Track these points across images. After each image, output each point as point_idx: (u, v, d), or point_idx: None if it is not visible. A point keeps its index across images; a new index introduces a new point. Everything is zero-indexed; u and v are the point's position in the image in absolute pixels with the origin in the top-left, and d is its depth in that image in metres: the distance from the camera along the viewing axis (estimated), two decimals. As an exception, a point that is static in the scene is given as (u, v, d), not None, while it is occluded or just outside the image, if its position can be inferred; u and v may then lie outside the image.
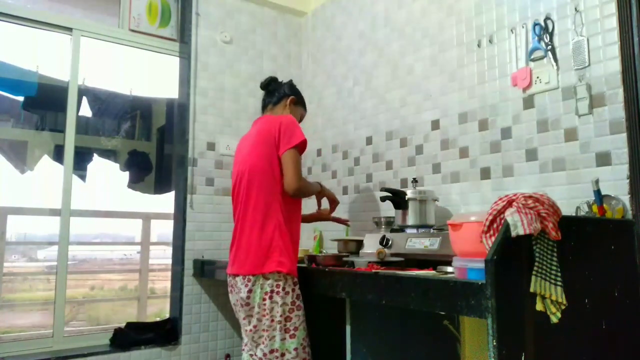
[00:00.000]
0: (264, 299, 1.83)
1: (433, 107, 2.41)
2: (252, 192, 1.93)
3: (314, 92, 3.27)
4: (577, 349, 1.36)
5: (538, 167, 1.93)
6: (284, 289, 1.83)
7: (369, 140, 2.79)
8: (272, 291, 1.83)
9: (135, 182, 3.23)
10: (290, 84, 2.24)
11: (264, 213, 1.89)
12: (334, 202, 2.35)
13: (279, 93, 2.17)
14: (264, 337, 1.83)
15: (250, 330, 1.87)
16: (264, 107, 2.21)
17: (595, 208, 1.64)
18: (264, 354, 1.82)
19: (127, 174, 3.23)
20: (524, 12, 2.03)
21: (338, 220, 2.44)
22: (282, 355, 1.81)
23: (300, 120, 2.23)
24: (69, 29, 2.70)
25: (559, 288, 1.25)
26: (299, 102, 2.21)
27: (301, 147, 1.96)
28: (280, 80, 2.26)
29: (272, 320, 1.82)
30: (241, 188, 1.99)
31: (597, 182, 1.63)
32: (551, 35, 1.91)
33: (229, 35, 3.12)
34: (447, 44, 2.36)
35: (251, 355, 1.91)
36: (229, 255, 2.03)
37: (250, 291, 1.85)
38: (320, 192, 2.26)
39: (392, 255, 1.99)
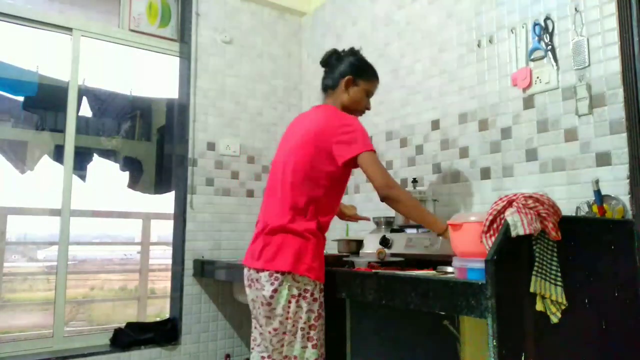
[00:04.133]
0: (290, 302, 1.67)
1: (433, 107, 2.41)
2: (293, 191, 1.75)
3: (314, 92, 3.27)
4: (577, 349, 1.36)
5: (538, 167, 1.93)
6: (312, 294, 1.68)
7: (369, 140, 2.79)
8: (299, 295, 1.67)
9: (132, 184, 3.24)
10: (350, 58, 1.94)
11: (301, 214, 1.74)
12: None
13: (335, 74, 1.92)
14: (284, 341, 1.70)
15: (270, 332, 1.71)
16: (324, 90, 1.97)
17: (595, 208, 1.64)
18: (282, 359, 1.71)
19: (127, 174, 3.24)
20: (524, 12, 2.03)
21: (359, 217, 2.29)
22: None
23: (368, 96, 1.97)
24: (69, 29, 2.70)
25: (559, 288, 1.25)
26: (359, 78, 1.90)
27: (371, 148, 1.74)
28: (341, 50, 1.98)
29: (295, 325, 1.67)
30: (282, 182, 1.80)
31: (597, 182, 1.63)
32: (551, 35, 1.91)
33: (229, 36, 3.12)
34: (447, 44, 2.36)
35: (263, 357, 1.77)
36: (251, 244, 1.86)
37: (275, 291, 1.68)
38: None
39: (392, 255, 1.99)
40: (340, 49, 1.91)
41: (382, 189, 1.71)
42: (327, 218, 1.82)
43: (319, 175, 1.76)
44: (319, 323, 1.70)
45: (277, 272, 1.68)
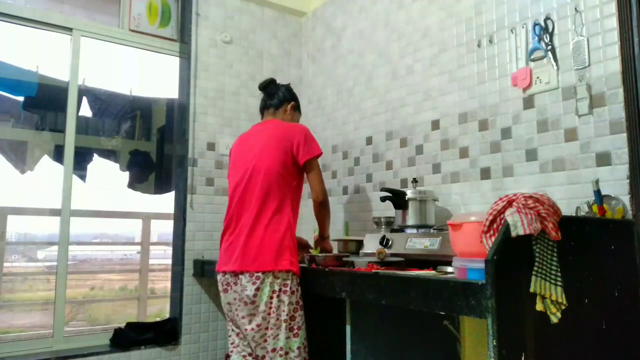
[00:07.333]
0: (272, 297, 1.84)
1: (433, 107, 2.41)
2: (268, 192, 1.95)
3: (314, 92, 3.27)
4: (577, 349, 1.36)
5: (538, 167, 1.93)
6: (290, 288, 1.86)
7: (369, 140, 2.79)
8: (280, 290, 1.85)
9: (138, 183, 3.24)
10: (288, 87, 2.31)
11: (277, 213, 1.94)
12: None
13: (279, 97, 2.25)
14: (267, 335, 1.84)
15: (252, 329, 1.85)
16: (264, 109, 2.26)
17: (595, 208, 1.64)
18: (267, 352, 1.83)
19: (127, 174, 3.24)
20: (524, 12, 2.03)
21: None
22: (287, 353, 1.83)
23: None
24: (69, 29, 2.70)
25: (559, 288, 1.25)
26: (297, 107, 2.31)
27: (319, 157, 2.11)
28: (278, 82, 2.33)
29: (278, 319, 1.84)
30: (254, 186, 1.98)
31: (597, 182, 1.63)
32: (551, 35, 1.91)
33: (229, 36, 3.12)
34: (447, 44, 2.35)
35: (244, 356, 1.91)
36: (223, 252, 2.00)
37: (257, 289, 1.84)
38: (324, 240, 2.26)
39: (392, 255, 1.99)
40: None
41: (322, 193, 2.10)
42: (297, 212, 2.06)
43: (290, 174, 2.01)
44: (298, 314, 1.88)
45: (257, 272, 1.85)
